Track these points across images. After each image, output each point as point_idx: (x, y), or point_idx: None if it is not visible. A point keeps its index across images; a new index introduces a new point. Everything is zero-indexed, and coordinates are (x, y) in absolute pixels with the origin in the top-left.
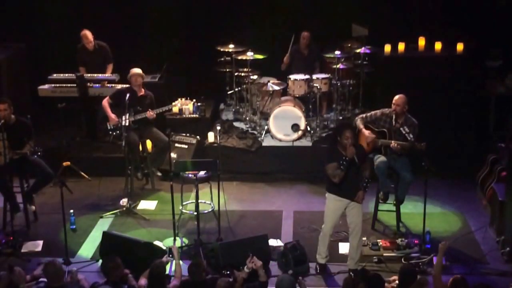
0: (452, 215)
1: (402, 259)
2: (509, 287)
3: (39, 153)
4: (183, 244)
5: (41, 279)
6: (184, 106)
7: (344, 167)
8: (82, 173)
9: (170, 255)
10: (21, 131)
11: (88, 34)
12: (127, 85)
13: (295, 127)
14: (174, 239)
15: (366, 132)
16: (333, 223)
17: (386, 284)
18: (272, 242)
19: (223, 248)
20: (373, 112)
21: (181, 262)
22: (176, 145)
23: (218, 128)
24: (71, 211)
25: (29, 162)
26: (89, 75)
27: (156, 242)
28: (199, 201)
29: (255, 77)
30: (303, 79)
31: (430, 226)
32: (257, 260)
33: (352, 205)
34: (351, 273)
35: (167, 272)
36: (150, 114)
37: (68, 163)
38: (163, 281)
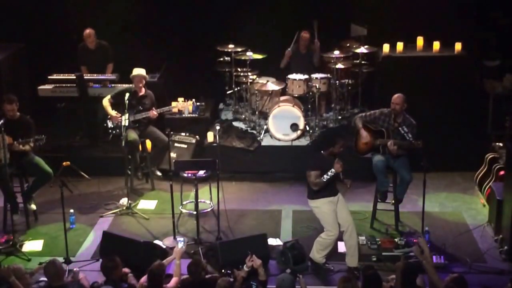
0: (451, 214)
1: (401, 258)
2: (507, 286)
3: (43, 140)
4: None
5: (41, 278)
6: (183, 108)
7: (329, 178)
8: (82, 173)
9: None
10: (24, 128)
11: (91, 33)
12: (128, 85)
13: (294, 127)
14: (174, 238)
15: (364, 134)
16: (337, 224)
17: (384, 283)
18: (271, 241)
19: (222, 247)
20: (372, 112)
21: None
22: (176, 144)
23: (218, 127)
24: (71, 210)
25: (29, 160)
26: (89, 75)
27: (156, 242)
28: (199, 200)
29: (254, 77)
30: (302, 79)
31: (428, 225)
32: (257, 259)
33: (338, 201)
34: (355, 272)
35: (167, 271)
36: (154, 114)
37: (68, 163)
38: (161, 282)
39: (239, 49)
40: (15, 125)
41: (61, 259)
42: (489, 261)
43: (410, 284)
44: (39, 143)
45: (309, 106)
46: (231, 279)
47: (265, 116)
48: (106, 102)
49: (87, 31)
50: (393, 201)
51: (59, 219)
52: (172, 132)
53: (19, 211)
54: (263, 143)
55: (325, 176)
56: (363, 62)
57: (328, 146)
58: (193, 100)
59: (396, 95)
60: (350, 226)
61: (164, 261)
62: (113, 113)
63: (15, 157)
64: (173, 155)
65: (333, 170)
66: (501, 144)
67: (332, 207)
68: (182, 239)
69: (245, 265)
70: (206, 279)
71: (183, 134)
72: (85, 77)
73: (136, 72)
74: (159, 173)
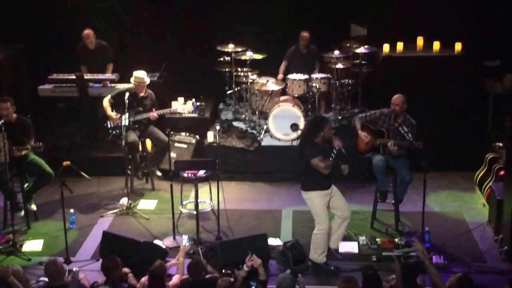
0: (451, 214)
1: (401, 258)
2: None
3: (41, 148)
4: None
5: (41, 278)
6: (183, 109)
7: (335, 157)
8: (82, 173)
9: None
10: (22, 130)
11: (90, 33)
12: (129, 85)
13: (294, 127)
14: (174, 239)
15: (362, 135)
16: (328, 218)
17: (384, 283)
18: (271, 241)
19: (222, 247)
20: (372, 112)
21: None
22: (176, 144)
23: (218, 127)
24: (71, 210)
25: (29, 161)
26: (89, 75)
27: (156, 242)
28: (199, 200)
29: (254, 76)
30: (302, 79)
31: (428, 225)
32: (257, 258)
33: (333, 193)
34: (335, 253)
35: (168, 271)
36: (154, 115)
37: (68, 163)
38: (163, 282)
39: (239, 49)
40: (13, 127)
41: (61, 259)
42: (489, 261)
43: (410, 284)
44: (37, 151)
45: (309, 106)
46: (231, 279)
47: (265, 116)
48: (106, 102)
49: (86, 31)
50: (393, 201)
51: (59, 219)
52: (172, 132)
53: (22, 209)
54: (263, 143)
55: (331, 157)
56: (363, 62)
57: (317, 131)
58: (193, 100)
59: (396, 96)
60: (347, 213)
61: (166, 264)
62: (112, 114)
63: (15, 160)
64: (173, 155)
65: (335, 149)
66: (501, 144)
67: (324, 201)
68: (186, 236)
69: (245, 265)
70: (206, 279)
71: (183, 134)
72: (85, 77)
73: (138, 79)
74: (159, 173)
